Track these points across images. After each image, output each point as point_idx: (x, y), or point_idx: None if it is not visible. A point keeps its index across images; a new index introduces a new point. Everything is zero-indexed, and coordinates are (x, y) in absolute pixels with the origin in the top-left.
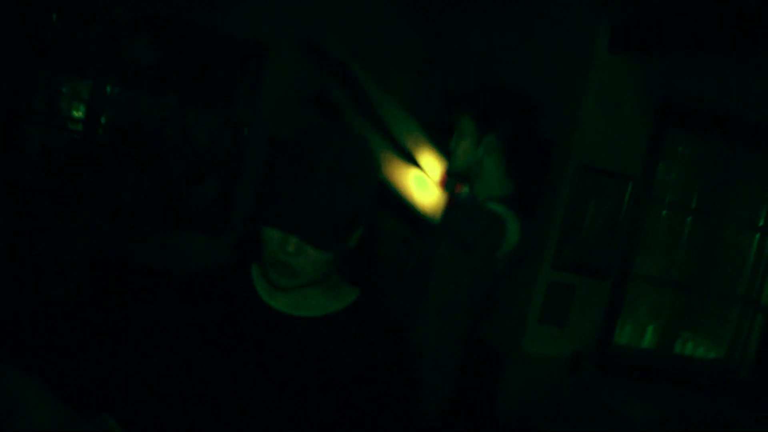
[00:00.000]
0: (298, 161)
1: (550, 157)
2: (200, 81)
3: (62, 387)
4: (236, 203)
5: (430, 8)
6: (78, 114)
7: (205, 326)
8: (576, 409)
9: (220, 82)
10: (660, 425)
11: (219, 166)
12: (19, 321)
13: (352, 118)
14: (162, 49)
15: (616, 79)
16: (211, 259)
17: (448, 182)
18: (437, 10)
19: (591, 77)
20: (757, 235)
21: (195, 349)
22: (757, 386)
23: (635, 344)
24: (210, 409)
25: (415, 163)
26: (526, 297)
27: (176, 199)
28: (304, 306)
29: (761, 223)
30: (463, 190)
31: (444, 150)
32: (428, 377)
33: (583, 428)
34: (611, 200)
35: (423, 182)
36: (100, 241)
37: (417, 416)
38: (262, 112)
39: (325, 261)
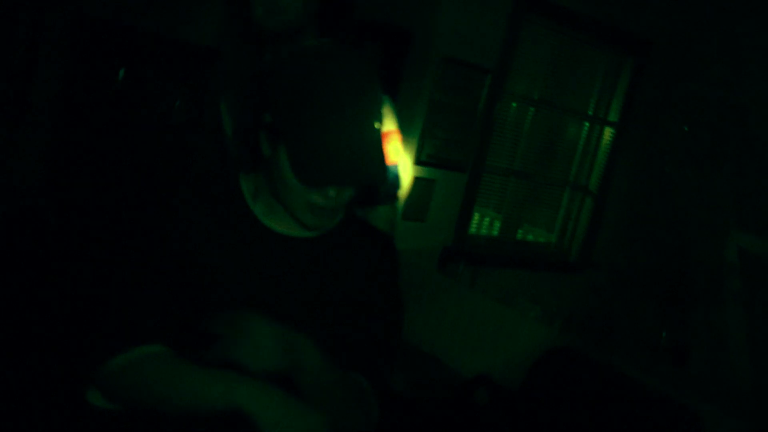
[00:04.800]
0: (318, 104)
1: (408, 47)
2: None
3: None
4: (33, 92)
5: None
6: None
7: (208, 239)
8: (448, 301)
9: None
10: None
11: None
12: None
13: None
14: None
15: None
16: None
17: None
18: None
19: None
20: (587, 124)
21: (207, 260)
22: (583, 265)
23: (485, 233)
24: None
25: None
26: None
27: None
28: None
29: (590, 113)
30: None
31: None
32: None
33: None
34: (470, 93)
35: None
36: None
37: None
38: None
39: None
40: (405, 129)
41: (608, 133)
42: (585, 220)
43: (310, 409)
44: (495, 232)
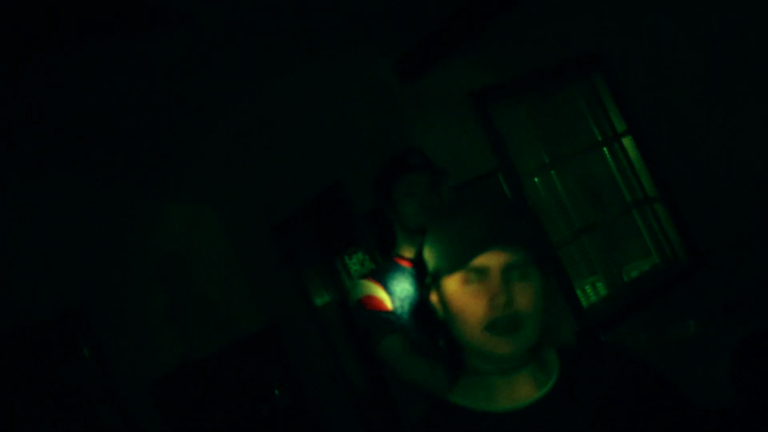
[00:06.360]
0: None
1: None
2: None
3: None
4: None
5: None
6: None
7: None
8: None
9: None
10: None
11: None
12: None
13: None
14: None
15: (430, 100)
16: None
17: None
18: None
19: (404, 109)
20: (605, 149)
21: None
22: (698, 261)
23: (597, 298)
24: None
25: None
26: None
27: None
28: (545, 377)
29: (600, 138)
30: None
31: None
32: None
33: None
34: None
35: None
36: None
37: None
38: None
39: (541, 287)
40: None
41: (627, 141)
42: (668, 224)
43: None
44: (604, 291)
